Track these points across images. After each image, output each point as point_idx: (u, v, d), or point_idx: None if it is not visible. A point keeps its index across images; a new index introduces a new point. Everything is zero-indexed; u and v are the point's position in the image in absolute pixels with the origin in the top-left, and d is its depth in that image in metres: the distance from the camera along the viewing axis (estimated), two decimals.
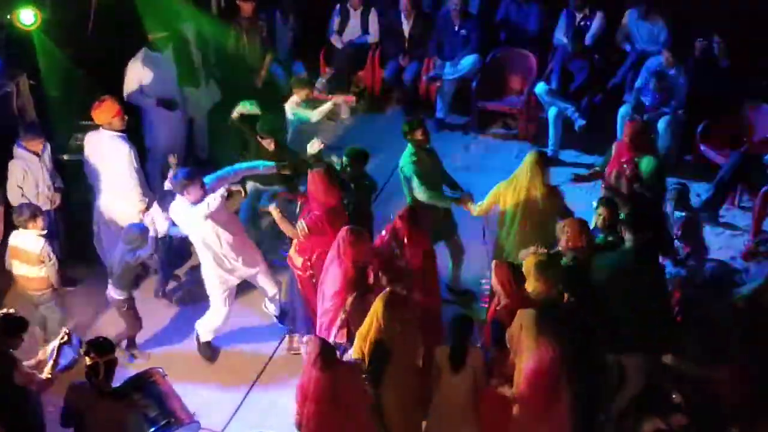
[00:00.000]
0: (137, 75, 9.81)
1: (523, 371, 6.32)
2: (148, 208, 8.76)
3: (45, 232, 8.13)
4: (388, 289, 6.83)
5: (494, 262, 7.07)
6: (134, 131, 9.44)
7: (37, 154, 8.65)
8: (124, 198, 8.88)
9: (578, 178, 9.42)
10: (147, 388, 7.05)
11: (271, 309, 8.88)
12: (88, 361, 6.35)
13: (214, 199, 7.80)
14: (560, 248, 7.26)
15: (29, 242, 8.07)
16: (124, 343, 8.47)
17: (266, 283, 8.68)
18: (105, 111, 8.69)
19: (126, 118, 8.80)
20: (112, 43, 10.07)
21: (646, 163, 8.45)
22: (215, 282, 8.32)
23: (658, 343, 7.27)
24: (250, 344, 8.75)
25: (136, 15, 9.82)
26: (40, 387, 6.83)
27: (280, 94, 10.74)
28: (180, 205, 8.03)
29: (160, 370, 7.26)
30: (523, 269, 6.93)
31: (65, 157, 9.34)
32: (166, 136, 10.04)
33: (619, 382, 7.36)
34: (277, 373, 8.44)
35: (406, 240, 7.45)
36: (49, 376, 6.76)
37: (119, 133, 8.76)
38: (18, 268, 8.18)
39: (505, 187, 8.16)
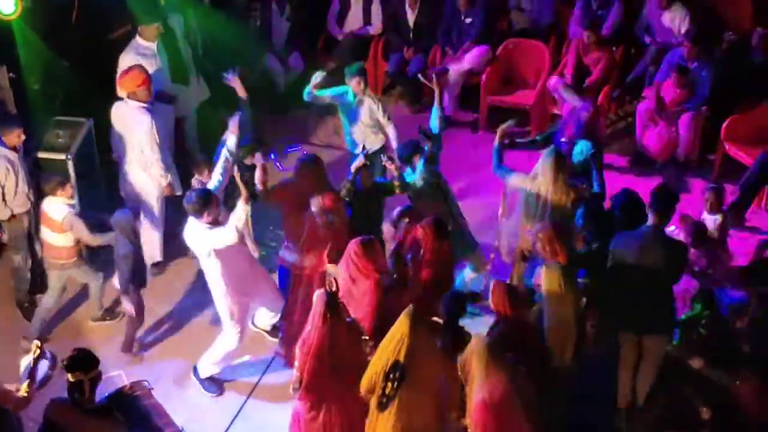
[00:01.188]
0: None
1: (473, 401, 6.07)
2: (171, 185, 8.93)
3: (73, 201, 8.34)
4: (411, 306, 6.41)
5: (492, 282, 6.76)
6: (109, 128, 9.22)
7: (16, 150, 8.35)
8: (147, 170, 8.93)
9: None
10: (131, 403, 6.89)
11: (262, 324, 8.63)
12: (71, 378, 6.12)
13: (239, 220, 7.45)
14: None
15: (55, 209, 8.22)
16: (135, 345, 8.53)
17: (273, 302, 8.36)
18: (130, 80, 8.70)
19: (152, 89, 8.78)
20: (98, 34, 9.88)
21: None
22: (233, 307, 7.87)
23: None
24: (244, 354, 8.47)
25: (122, 4, 9.51)
26: (17, 406, 6.57)
27: (276, 88, 10.34)
28: (197, 230, 7.59)
29: (146, 383, 7.07)
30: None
31: (41, 155, 8.92)
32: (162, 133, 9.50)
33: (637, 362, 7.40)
34: (272, 385, 8.22)
35: (425, 253, 7.21)
36: (26, 394, 6.51)
37: (143, 104, 8.72)
38: (45, 235, 8.35)
39: (527, 180, 8.11)
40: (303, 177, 7.88)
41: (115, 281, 8.36)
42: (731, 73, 10.39)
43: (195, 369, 8.16)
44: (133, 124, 8.74)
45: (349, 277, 7.04)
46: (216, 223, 7.55)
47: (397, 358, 6.19)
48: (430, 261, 7.24)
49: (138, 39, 9.39)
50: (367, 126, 9.24)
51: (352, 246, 7.03)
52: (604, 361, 7.35)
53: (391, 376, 6.21)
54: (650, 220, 7.23)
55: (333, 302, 6.44)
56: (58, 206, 8.17)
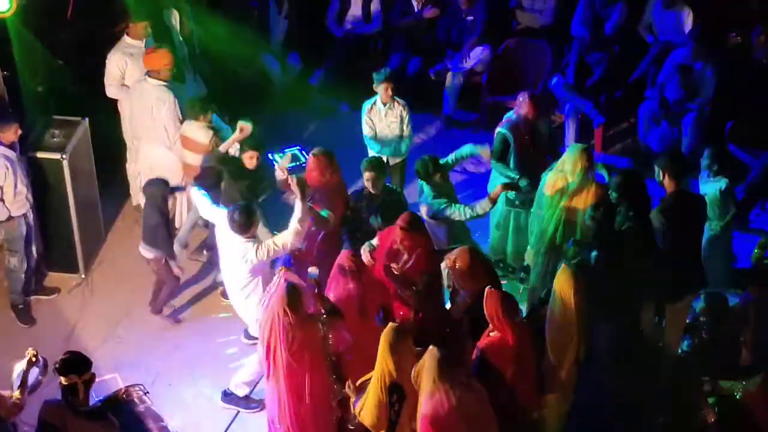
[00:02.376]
0: (118, 68, 9.37)
1: (419, 415, 5.99)
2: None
3: (214, 125, 8.90)
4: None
5: (486, 290, 6.55)
6: (112, 129, 9.44)
7: (13, 148, 8.29)
8: (168, 148, 9.12)
9: None
10: (126, 407, 6.78)
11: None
12: (64, 381, 6.12)
13: (301, 221, 7.48)
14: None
15: (197, 133, 8.78)
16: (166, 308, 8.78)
17: None
18: (158, 58, 8.91)
19: (175, 71, 9.05)
20: (93, 32, 9.78)
21: None
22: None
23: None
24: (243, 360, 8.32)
25: (118, 1, 9.42)
26: (10, 412, 6.52)
27: (273, 87, 10.42)
28: (238, 245, 7.48)
29: (141, 387, 6.97)
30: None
31: (41, 155, 8.82)
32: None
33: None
34: None
35: (407, 251, 7.25)
36: (18, 401, 6.50)
37: (164, 83, 8.92)
38: (188, 157, 8.89)
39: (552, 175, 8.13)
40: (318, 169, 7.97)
41: (146, 251, 8.50)
42: (735, 74, 10.28)
43: (226, 393, 8.01)
44: (156, 102, 8.92)
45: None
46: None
47: (391, 381, 6.11)
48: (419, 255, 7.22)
49: (126, 38, 9.33)
50: (394, 133, 9.23)
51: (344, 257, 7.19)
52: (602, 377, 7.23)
53: (393, 398, 6.13)
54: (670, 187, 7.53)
55: (294, 297, 6.58)
56: (200, 130, 8.75)
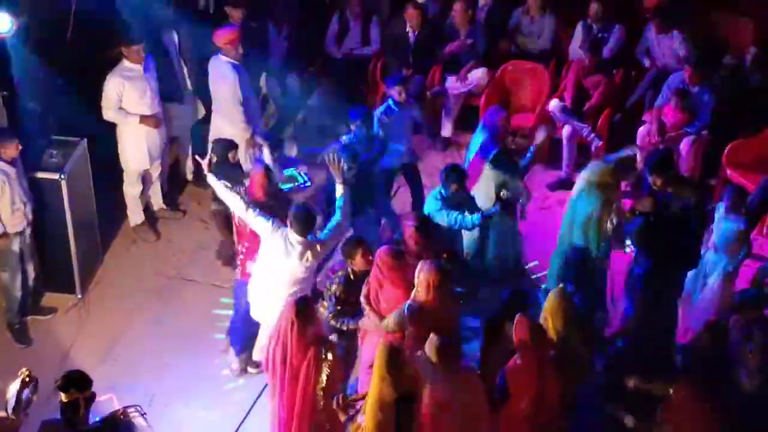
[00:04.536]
0: (116, 91, 9.28)
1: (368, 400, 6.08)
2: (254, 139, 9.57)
3: None
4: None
5: (518, 316, 6.53)
6: (111, 150, 9.48)
7: (14, 164, 8.24)
8: (231, 124, 9.48)
9: None
10: (123, 428, 6.58)
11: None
12: (65, 397, 6.05)
13: (346, 204, 7.70)
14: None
15: None
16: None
17: None
18: (222, 35, 9.43)
19: (241, 52, 9.45)
20: (93, 53, 9.74)
21: None
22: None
23: None
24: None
25: (118, 23, 9.45)
26: None
27: (271, 108, 10.55)
28: (297, 245, 7.47)
29: (138, 408, 6.78)
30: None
31: (39, 175, 8.75)
32: (144, 157, 9.58)
33: None
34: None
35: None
36: (13, 422, 6.46)
37: (231, 60, 9.35)
38: None
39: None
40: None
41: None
42: (732, 97, 10.31)
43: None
44: (219, 78, 9.41)
45: (376, 282, 7.11)
46: None
47: (396, 396, 6.01)
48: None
49: (124, 61, 9.27)
50: (409, 133, 9.51)
51: (382, 255, 7.08)
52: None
53: (401, 407, 6.05)
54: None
55: (304, 313, 6.59)
56: None
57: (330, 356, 6.64)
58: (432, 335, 6.21)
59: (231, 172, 8.50)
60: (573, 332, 6.66)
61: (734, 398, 7.13)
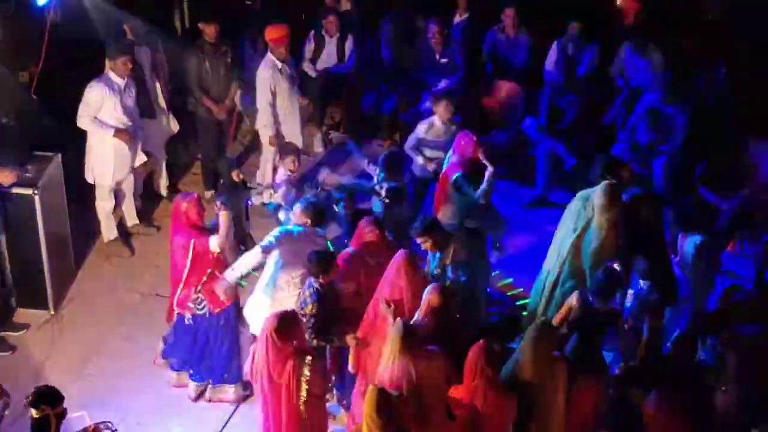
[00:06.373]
0: (97, 99, 9.20)
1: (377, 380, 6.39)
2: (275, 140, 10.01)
3: None
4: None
5: (481, 341, 6.50)
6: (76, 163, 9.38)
7: None
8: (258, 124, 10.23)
9: None
10: None
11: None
12: (35, 413, 6.03)
13: None
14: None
15: None
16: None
17: None
18: (272, 31, 9.97)
19: (285, 52, 9.99)
20: (70, 67, 9.75)
21: None
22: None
23: None
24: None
25: (93, 38, 9.46)
26: None
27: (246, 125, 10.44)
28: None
29: (109, 424, 6.78)
30: None
31: (12, 190, 8.66)
32: (109, 171, 9.51)
33: None
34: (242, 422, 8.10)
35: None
36: None
37: (273, 58, 9.94)
38: None
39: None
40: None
41: None
42: (705, 117, 10.37)
43: None
44: (258, 71, 9.96)
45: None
46: None
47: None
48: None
49: (109, 72, 9.24)
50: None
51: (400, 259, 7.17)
52: None
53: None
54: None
55: (283, 324, 6.60)
56: None
57: (307, 372, 6.62)
58: (396, 321, 6.50)
59: (234, 191, 8.65)
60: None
61: (709, 413, 7.15)
